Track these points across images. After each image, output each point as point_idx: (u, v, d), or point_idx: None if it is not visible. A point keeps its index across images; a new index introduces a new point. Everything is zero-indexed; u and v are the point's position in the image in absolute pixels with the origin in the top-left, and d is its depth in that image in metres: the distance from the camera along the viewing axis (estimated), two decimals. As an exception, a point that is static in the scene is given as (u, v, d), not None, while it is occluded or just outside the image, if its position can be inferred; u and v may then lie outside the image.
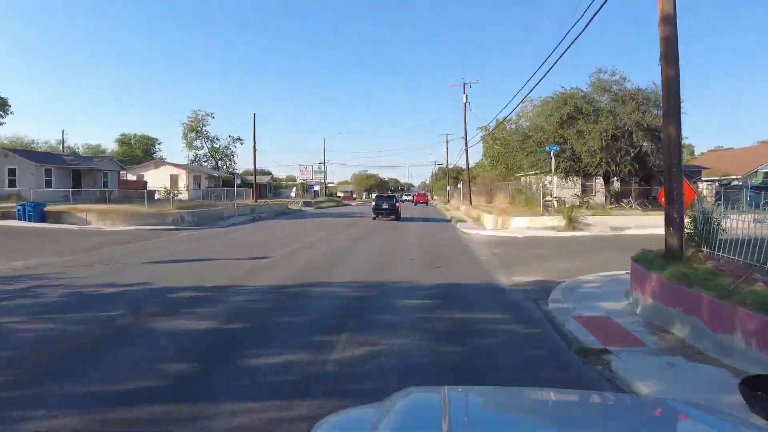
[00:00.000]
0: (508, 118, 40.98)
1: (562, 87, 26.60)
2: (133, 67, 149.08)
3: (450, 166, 73.23)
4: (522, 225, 22.77)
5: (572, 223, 22.23)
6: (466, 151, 38.93)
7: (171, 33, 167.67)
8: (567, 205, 26.96)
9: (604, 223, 22.48)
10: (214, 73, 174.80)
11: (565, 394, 2.65)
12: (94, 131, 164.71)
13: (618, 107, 24.50)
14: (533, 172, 30.59)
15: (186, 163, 57.06)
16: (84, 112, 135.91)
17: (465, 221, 29.10)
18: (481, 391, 2.49)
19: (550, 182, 27.89)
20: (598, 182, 32.01)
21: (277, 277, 10.50)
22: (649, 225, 22.69)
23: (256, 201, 44.08)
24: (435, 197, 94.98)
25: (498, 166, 44.59)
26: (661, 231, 8.25)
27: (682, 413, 1.88)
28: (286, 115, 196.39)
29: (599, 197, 31.04)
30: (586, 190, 32.08)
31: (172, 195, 32.89)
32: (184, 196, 47.27)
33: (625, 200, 28.70)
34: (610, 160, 24.02)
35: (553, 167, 23.42)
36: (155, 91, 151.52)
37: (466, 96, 38.28)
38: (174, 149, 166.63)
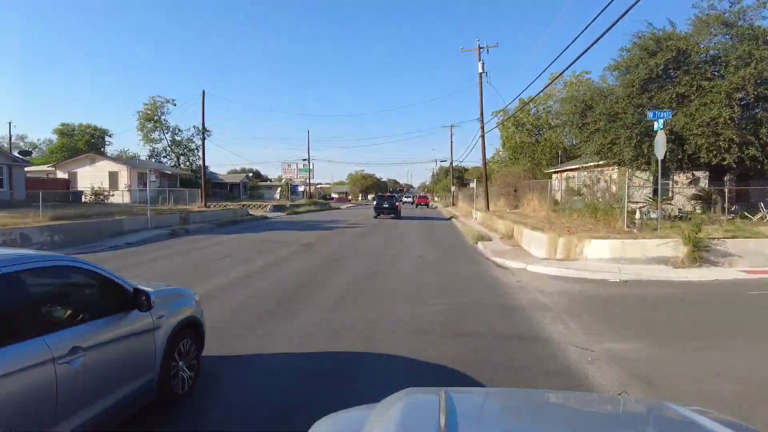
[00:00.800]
0: (536, 97, 31.18)
1: (650, 23, 16.50)
2: (115, 63, 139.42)
3: (454, 164, 63.38)
4: (605, 253, 12.75)
5: (697, 251, 12.26)
6: (483, 137, 28.76)
7: (156, 26, 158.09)
8: (670, 217, 17.01)
9: (754, 252, 12.43)
10: (200, 69, 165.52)
11: (565, 395, 2.50)
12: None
13: (755, 51, 14.45)
14: (595, 162, 20.55)
15: (133, 158, 46.95)
16: (44, 105, 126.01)
17: (489, 239, 18.96)
18: (480, 392, 2.47)
19: (629, 179, 17.88)
20: (677, 180, 22.11)
21: None
22: None
23: (206, 205, 34.00)
24: (436, 198, 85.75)
25: (521, 159, 34.46)
26: None
27: (682, 415, 1.80)
28: (279, 112, 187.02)
29: (678, 201, 21.24)
30: (656, 191, 22.11)
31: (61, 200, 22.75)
32: (122, 198, 37.41)
33: (716, 206, 18.66)
34: (753, 139, 13.90)
35: (659, 152, 13.21)
36: (133, 88, 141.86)
37: (483, 63, 28.15)
38: (133, 144, 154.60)
